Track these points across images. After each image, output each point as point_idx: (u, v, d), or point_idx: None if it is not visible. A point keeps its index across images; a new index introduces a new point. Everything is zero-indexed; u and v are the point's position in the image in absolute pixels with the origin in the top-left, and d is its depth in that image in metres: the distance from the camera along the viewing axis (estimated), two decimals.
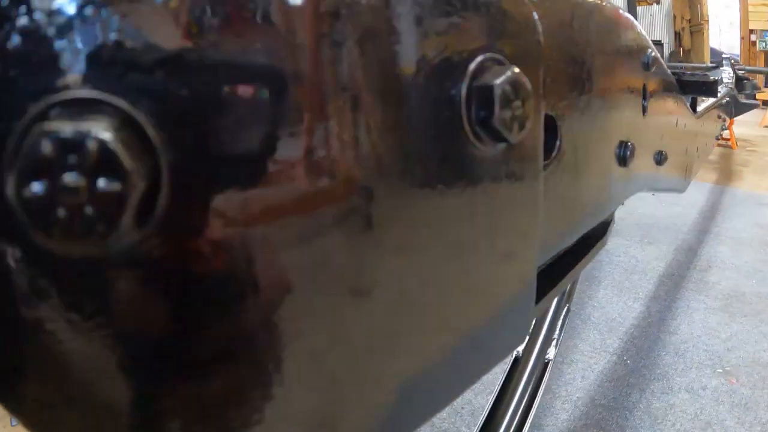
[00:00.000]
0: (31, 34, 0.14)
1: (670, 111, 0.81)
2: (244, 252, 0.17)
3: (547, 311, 1.08)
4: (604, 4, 0.43)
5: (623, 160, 0.46)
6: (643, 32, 0.54)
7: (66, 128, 0.13)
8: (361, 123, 0.19)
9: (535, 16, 0.27)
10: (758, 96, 8.25)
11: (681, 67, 3.93)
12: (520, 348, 1.03)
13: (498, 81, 0.22)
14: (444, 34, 0.22)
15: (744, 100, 3.05)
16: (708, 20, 9.51)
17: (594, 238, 0.50)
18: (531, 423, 0.92)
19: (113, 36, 0.14)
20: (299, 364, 0.19)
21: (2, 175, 0.14)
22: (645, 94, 0.54)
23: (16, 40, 0.14)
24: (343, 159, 0.19)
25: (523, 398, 0.97)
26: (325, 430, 0.21)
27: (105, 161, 0.13)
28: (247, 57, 0.16)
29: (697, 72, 3.58)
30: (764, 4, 9.16)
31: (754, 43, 9.33)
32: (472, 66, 0.22)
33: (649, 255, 2.16)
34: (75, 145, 0.13)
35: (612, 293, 1.86)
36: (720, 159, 4.35)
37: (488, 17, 0.25)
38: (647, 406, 1.29)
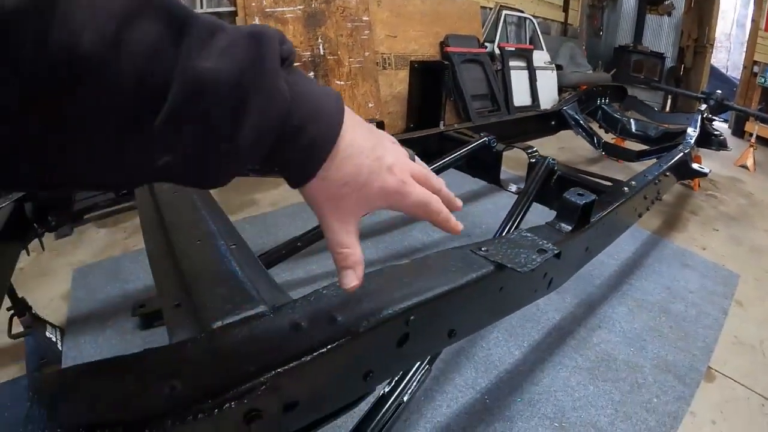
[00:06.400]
0: None
1: None
2: None
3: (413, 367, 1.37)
4: None
5: None
6: None
7: None
8: None
9: None
10: (747, 128, 8.26)
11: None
12: (387, 388, 1.33)
13: None
14: None
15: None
16: (713, 44, 9.39)
17: None
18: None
19: None
20: None
21: None
22: None
23: None
24: None
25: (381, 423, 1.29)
26: None
27: None
28: None
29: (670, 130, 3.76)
30: None
31: (755, 75, 9.11)
32: None
33: (551, 305, 2.30)
34: None
35: (502, 337, 2.04)
36: (675, 200, 4.19)
37: None
38: None
